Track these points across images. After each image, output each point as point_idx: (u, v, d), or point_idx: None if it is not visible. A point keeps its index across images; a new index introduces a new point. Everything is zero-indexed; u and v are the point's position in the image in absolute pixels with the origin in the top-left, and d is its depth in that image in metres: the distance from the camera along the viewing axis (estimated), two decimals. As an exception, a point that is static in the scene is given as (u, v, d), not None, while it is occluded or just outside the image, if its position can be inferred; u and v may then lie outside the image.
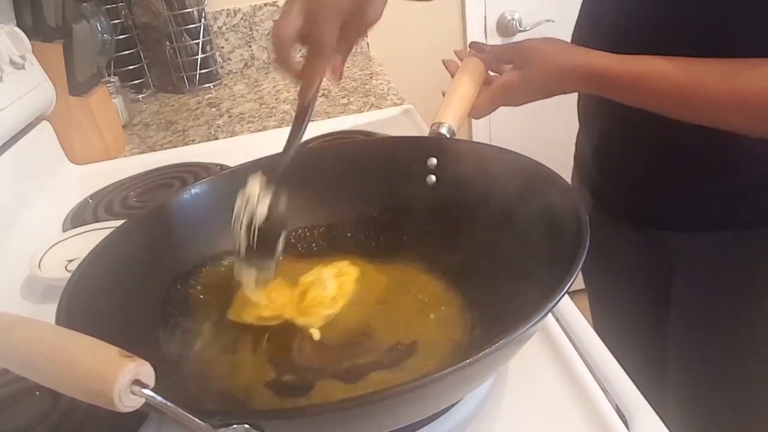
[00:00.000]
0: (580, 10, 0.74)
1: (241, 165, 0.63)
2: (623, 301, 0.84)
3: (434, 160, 0.61)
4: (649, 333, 0.80)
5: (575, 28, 0.76)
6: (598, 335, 0.53)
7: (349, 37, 0.53)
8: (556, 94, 0.66)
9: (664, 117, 0.60)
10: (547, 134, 1.80)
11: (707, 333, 0.74)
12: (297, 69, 0.53)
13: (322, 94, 1.30)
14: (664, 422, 0.44)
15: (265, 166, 0.53)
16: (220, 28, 1.54)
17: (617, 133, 0.73)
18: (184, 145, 1.13)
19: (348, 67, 1.50)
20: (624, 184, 0.75)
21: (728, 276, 0.70)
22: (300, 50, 0.53)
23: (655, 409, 0.45)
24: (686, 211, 0.69)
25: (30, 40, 0.94)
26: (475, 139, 1.75)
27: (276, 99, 1.33)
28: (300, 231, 0.63)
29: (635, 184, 0.73)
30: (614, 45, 0.62)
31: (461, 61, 0.75)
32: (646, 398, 0.46)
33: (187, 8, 1.40)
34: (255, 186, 0.50)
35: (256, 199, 0.50)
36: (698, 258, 0.71)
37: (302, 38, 0.52)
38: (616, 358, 0.50)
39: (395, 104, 1.18)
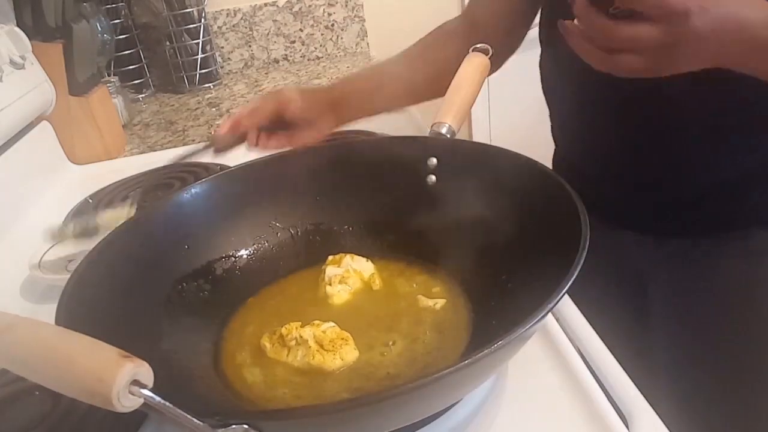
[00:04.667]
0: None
1: (241, 165, 0.63)
2: (600, 298, 0.83)
3: (434, 160, 0.61)
4: (630, 341, 0.79)
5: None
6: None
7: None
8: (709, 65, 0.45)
9: (625, 119, 0.61)
10: (547, 134, 1.80)
11: (688, 337, 0.74)
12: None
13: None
14: (658, 415, 0.44)
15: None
16: (220, 28, 1.54)
17: (598, 143, 0.71)
18: (184, 145, 1.13)
19: (348, 67, 1.50)
20: (589, 183, 0.73)
21: (696, 282, 0.70)
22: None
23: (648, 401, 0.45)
24: (647, 216, 0.70)
25: (30, 40, 0.94)
26: (475, 139, 1.75)
27: (276, 99, 1.33)
28: (299, 230, 0.63)
29: (598, 184, 0.70)
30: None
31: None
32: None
33: (187, 8, 1.40)
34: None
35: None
36: (666, 264, 0.71)
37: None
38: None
39: (395, 104, 1.17)
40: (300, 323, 0.50)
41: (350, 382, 0.46)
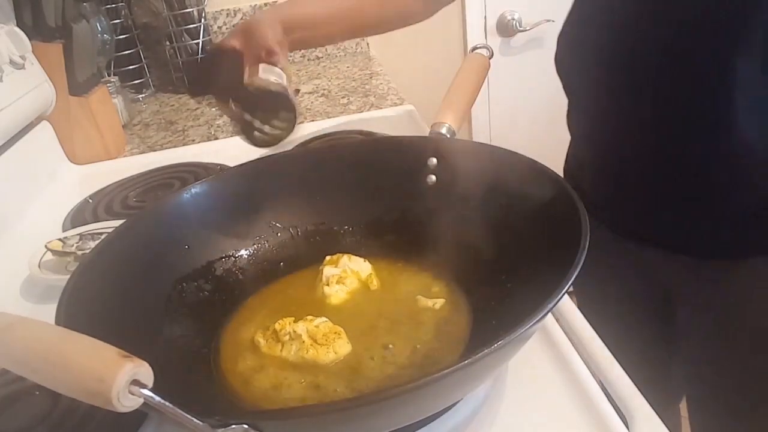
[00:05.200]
0: (572, 13, 0.69)
1: (241, 165, 0.63)
2: (619, 315, 0.79)
3: (434, 160, 0.61)
4: (653, 364, 0.76)
5: (567, 33, 0.70)
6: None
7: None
8: None
9: (664, 129, 0.57)
10: (547, 134, 1.80)
11: (716, 366, 0.68)
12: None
13: (322, 94, 1.30)
14: (658, 415, 0.44)
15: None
16: (220, 28, 1.54)
17: (613, 147, 0.67)
18: (184, 145, 1.13)
19: (348, 67, 1.50)
20: (620, 200, 0.69)
21: (734, 308, 0.64)
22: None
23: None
24: (686, 235, 0.63)
25: (30, 40, 0.94)
26: (475, 139, 1.75)
27: (276, 99, 1.33)
28: (299, 230, 0.63)
29: (631, 201, 0.67)
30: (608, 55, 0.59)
31: None
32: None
33: (187, 8, 1.40)
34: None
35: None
36: (701, 286, 0.65)
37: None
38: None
39: (395, 104, 1.18)
40: (293, 318, 0.50)
41: (350, 382, 0.46)
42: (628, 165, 0.65)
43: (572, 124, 0.76)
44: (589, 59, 0.66)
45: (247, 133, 0.63)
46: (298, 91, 0.65)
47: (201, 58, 0.65)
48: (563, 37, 0.71)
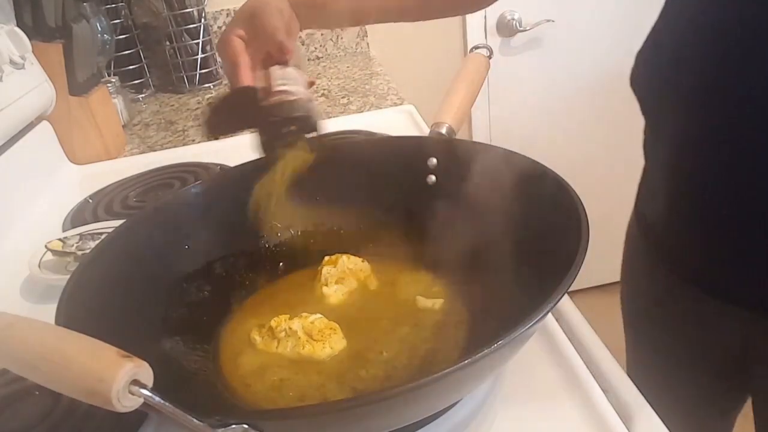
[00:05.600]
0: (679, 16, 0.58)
1: (241, 165, 0.63)
2: (679, 372, 0.71)
3: (434, 160, 0.61)
4: (712, 419, 0.69)
5: (668, 35, 0.59)
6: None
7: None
8: None
9: (759, 171, 0.49)
10: (547, 134, 1.80)
11: None
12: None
13: (322, 94, 1.30)
14: (658, 415, 0.44)
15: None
16: (220, 28, 1.54)
17: (697, 185, 0.57)
18: (184, 145, 1.13)
19: (348, 67, 1.50)
20: (698, 246, 0.60)
21: None
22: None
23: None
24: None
25: (30, 40, 0.94)
26: (475, 139, 1.75)
27: (276, 99, 1.33)
28: (299, 230, 0.63)
29: (711, 248, 0.58)
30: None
31: None
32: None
33: (187, 8, 1.40)
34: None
35: None
36: None
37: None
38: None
39: (395, 104, 1.18)
40: (288, 315, 0.51)
41: (350, 382, 0.46)
42: (712, 207, 0.56)
43: (649, 149, 0.65)
44: (677, 85, 0.57)
45: (274, 158, 0.60)
46: (313, 83, 0.62)
47: (217, 102, 0.62)
48: (645, 55, 0.62)
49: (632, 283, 0.76)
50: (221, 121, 0.62)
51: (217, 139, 0.77)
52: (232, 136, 0.72)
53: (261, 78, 0.59)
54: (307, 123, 0.59)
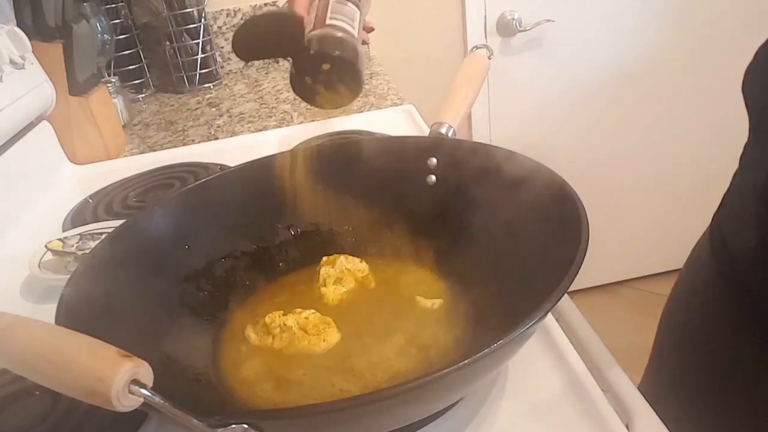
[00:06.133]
0: None
1: (241, 165, 0.63)
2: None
3: (434, 160, 0.61)
4: None
5: None
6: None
7: None
8: None
9: None
10: (547, 134, 1.81)
11: None
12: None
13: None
14: (658, 415, 0.44)
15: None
16: (220, 28, 1.54)
17: None
18: (184, 145, 1.13)
19: (348, 67, 1.50)
20: None
21: None
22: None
23: None
24: None
25: (30, 40, 0.94)
26: (475, 139, 1.75)
27: (276, 99, 1.33)
28: (299, 230, 0.63)
29: None
30: None
31: None
32: None
33: (187, 8, 1.40)
34: None
35: None
36: None
37: None
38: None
39: (395, 104, 1.18)
40: (282, 312, 0.51)
41: (350, 382, 0.46)
42: None
43: (747, 158, 0.56)
44: None
45: (307, 96, 0.54)
46: (372, 29, 0.55)
47: (253, 20, 0.53)
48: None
49: (695, 316, 0.65)
50: (254, 43, 0.55)
51: (245, 62, 0.68)
52: (262, 60, 0.64)
53: (319, 8, 0.53)
54: (347, 67, 0.52)
